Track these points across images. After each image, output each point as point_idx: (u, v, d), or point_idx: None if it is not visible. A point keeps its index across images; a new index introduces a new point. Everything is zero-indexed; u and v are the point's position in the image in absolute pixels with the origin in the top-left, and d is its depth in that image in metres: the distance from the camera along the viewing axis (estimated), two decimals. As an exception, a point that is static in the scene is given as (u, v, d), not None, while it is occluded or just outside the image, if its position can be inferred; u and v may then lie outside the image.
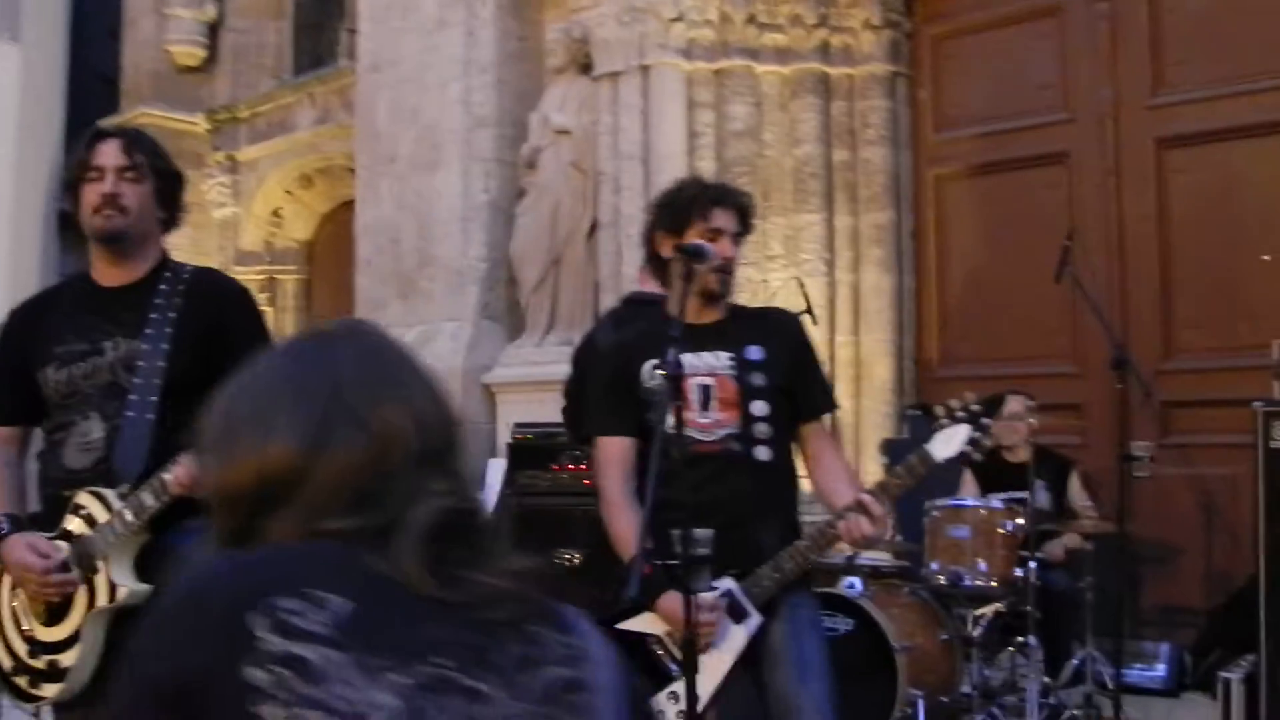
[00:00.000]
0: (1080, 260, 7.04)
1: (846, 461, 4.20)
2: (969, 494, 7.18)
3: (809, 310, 7.44)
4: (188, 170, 3.98)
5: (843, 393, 8.40)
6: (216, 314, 3.61)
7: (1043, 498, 7.06)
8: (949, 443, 3.63)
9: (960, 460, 3.64)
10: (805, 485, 4.07)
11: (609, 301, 8.79)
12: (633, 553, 3.34)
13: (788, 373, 3.90)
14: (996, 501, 6.51)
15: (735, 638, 3.62)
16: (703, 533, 3.37)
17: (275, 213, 14.10)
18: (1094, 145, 8.41)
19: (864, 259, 9.03)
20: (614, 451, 3.90)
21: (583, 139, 9.53)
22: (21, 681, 3.59)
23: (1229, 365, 7.69)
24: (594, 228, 9.48)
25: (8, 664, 3.63)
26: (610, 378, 4.02)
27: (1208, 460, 7.71)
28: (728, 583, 3.65)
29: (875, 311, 9.02)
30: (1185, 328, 8.05)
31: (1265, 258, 7.65)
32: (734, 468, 3.76)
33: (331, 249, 14.00)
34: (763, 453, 3.78)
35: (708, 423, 3.76)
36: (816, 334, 7.02)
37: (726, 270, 3.85)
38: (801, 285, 7.95)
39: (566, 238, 9.56)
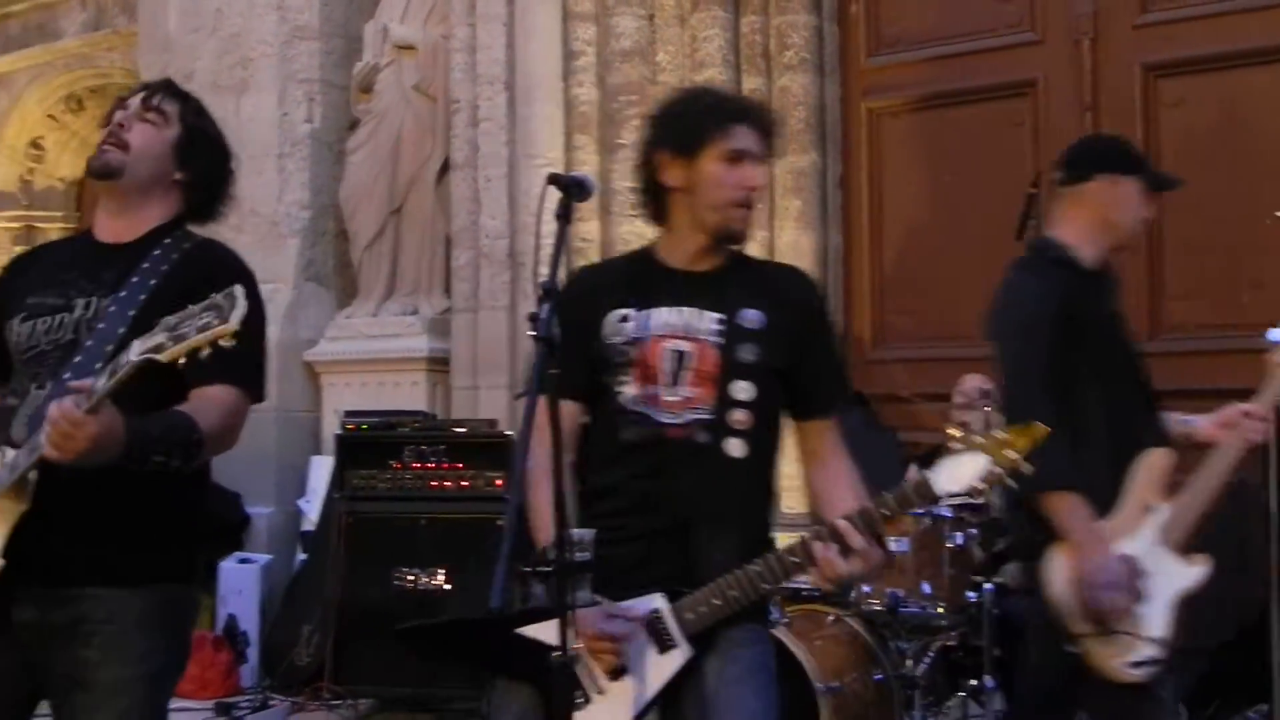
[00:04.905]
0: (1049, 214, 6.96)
1: (854, 469, 3.85)
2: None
3: None
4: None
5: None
6: (201, 287, 3.44)
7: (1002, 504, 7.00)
8: (958, 474, 3.39)
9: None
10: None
11: (464, 259, 8.61)
12: (542, 541, 3.24)
13: (790, 351, 3.68)
14: (944, 509, 6.43)
15: (655, 671, 3.45)
16: (583, 532, 3.20)
17: (34, 143, 13.85)
18: (1067, 72, 8.35)
19: (780, 212, 8.94)
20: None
21: (431, 57, 9.36)
22: None
23: (1231, 347, 7.48)
24: (445, 168, 9.31)
25: None
26: (560, 323, 3.79)
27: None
28: (657, 601, 3.47)
29: (794, 278, 8.88)
30: (1177, 299, 7.99)
31: (1279, 214, 7.53)
32: (694, 459, 3.56)
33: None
34: (735, 447, 3.58)
35: (675, 400, 3.59)
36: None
37: (748, 205, 3.68)
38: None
39: (410, 181, 9.38)
